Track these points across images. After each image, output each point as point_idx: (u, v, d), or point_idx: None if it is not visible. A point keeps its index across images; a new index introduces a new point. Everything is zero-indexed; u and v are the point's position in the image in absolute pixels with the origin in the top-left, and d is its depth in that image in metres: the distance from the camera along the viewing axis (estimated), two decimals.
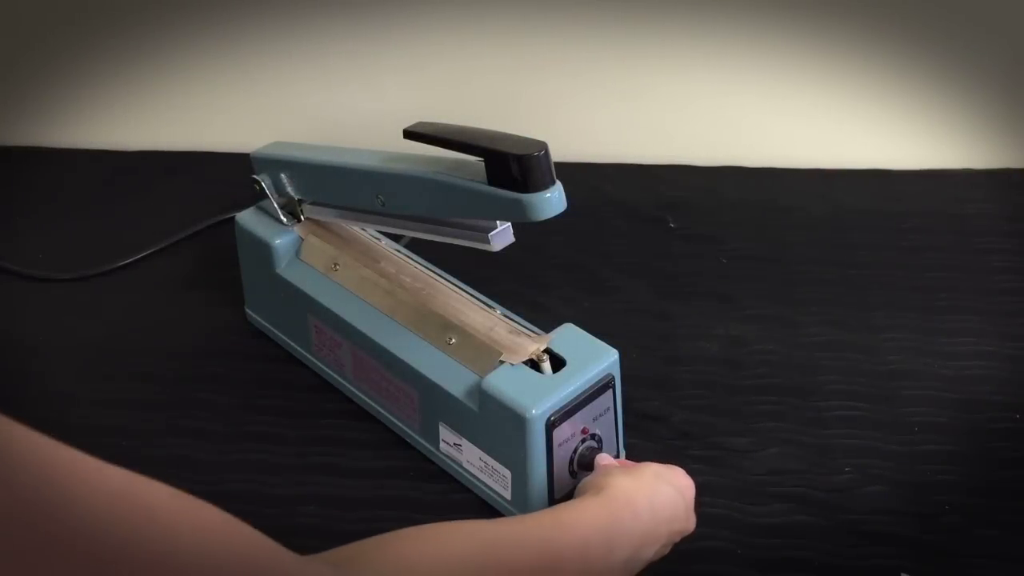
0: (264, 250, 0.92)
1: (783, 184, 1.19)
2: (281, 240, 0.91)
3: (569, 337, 0.81)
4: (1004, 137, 1.20)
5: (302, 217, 0.92)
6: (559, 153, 0.97)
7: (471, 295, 0.86)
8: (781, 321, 0.99)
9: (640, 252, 1.09)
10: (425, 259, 0.90)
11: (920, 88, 1.17)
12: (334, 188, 0.88)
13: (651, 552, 0.70)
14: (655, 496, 0.71)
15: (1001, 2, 1.12)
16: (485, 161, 0.73)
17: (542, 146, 0.72)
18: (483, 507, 0.81)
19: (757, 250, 1.09)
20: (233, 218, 0.95)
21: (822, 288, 1.03)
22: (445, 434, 0.82)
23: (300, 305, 0.90)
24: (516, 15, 1.16)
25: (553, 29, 1.18)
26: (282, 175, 0.90)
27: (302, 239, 0.92)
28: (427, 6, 1.17)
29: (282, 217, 0.92)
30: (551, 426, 0.75)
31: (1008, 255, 1.07)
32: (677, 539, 0.73)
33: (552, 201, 0.73)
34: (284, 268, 0.91)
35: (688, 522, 0.73)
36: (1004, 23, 1.13)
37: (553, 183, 0.73)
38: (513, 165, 0.72)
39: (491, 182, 0.74)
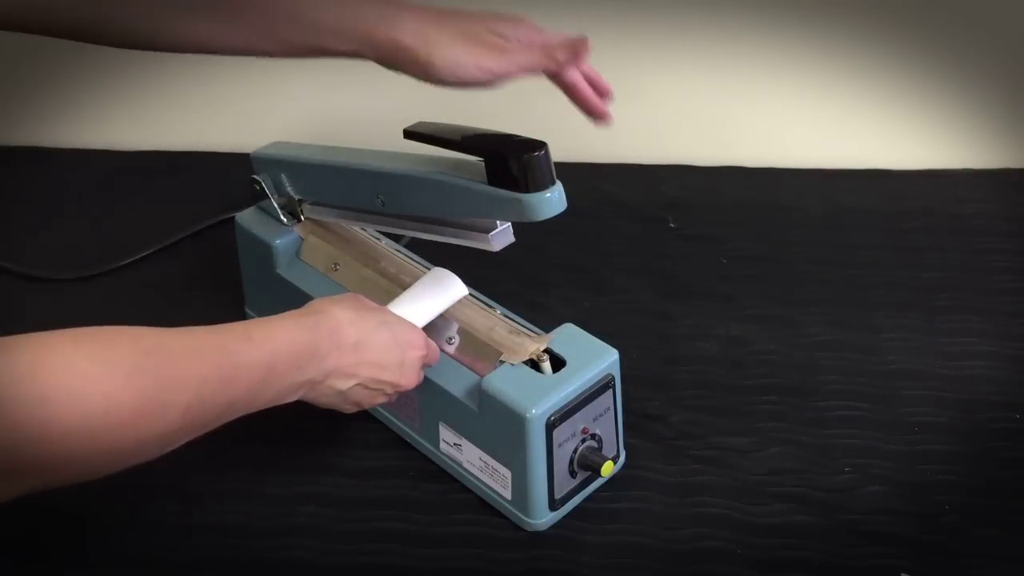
0: (264, 250, 0.92)
1: (783, 184, 1.19)
2: (281, 240, 0.91)
3: (569, 337, 0.81)
4: (1004, 137, 1.20)
5: (302, 217, 0.92)
6: (559, 153, 0.97)
7: (471, 295, 0.85)
8: (781, 321, 0.99)
9: (640, 252, 1.09)
10: (425, 259, 0.90)
11: (920, 88, 1.17)
12: (334, 188, 0.88)
13: (345, 386, 0.71)
14: (368, 337, 0.71)
15: (1001, 2, 1.12)
16: (485, 161, 0.73)
17: (542, 146, 0.72)
18: (483, 507, 0.81)
19: (757, 250, 1.09)
20: (233, 218, 0.95)
21: (822, 288, 1.03)
22: (445, 434, 0.82)
23: (300, 305, 0.90)
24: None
25: (553, 29, 1.17)
26: (282, 175, 0.90)
27: (302, 239, 0.92)
28: (429, 6, 1.16)
29: (282, 217, 0.92)
30: (551, 426, 0.75)
31: (1008, 255, 1.07)
32: (389, 390, 0.74)
33: (552, 201, 0.73)
34: (284, 268, 0.91)
35: (401, 377, 0.74)
36: (1004, 23, 1.13)
37: (553, 183, 0.73)
38: (513, 165, 0.72)
39: (491, 182, 0.74)
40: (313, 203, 0.91)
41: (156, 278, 1.06)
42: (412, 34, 0.68)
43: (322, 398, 0.72)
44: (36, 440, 0.52)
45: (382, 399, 0.75)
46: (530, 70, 0.71)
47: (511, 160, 0.72)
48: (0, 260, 1.07)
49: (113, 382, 0.54)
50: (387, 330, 0.73)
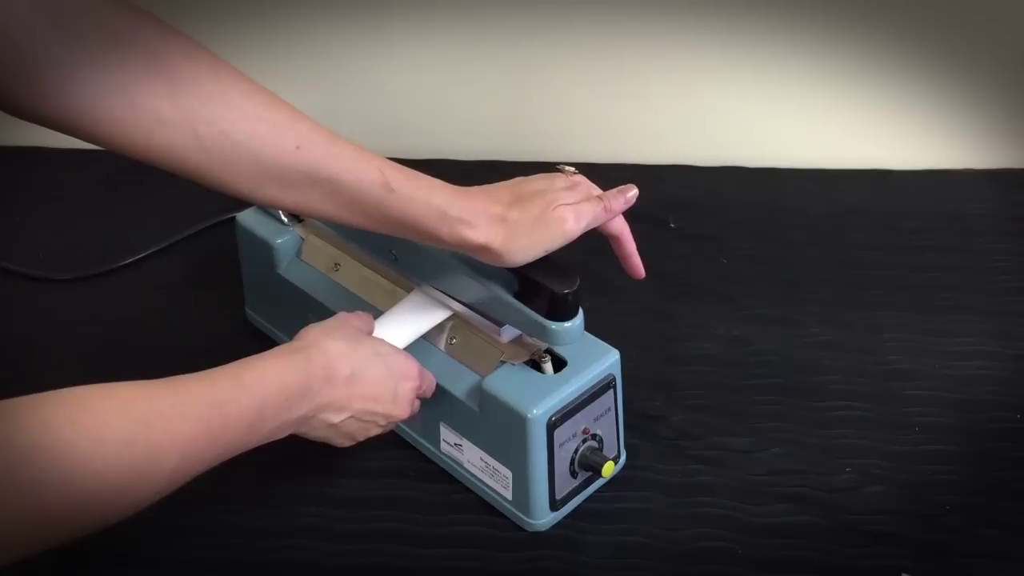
0: (265, 250, 0.91)
1: (784, 184, 1.19)
2: (282, 240, 0.91)
3: None
4: (1004, 137, 1.20)
5: (303, 217, 0.92)
6: (560, 153, 0.97)
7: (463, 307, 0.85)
8: (782, 321, 0.99)
9: (641, 252, 1.09)
10: None
11: (920, 88, 1.17)
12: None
13: (338, 419, 0.71)
14: (361, 370, 0.71)
15: (1001, 3, 1.12)
16: (517, 276, 0.74)
17: (574, 282, 0.73)
18: (484, 507, 0.81)
19: (758, 250, 1.09)
20: (233, 218, 0.95)
21: (823, 288, 1.03)
22: (446, 434, 0.82)
23: (301, 305, 0.90)
24: (518, 16, 1.16)
25: (554, 30, 1.18)
26: None
27: (303, 239, 0.92)
28: (429, 7, 1.17)
29: (283, 217, 0.92)
30: (552, 426, 0.75)
31: (1008, 255, 1.07)
32: (382, 422, 0.74)
33: (572, 332, 0.74)
34: (285, 268, 0.91)
35: (394, 408, 0.74)
36: (1004, 23, 1.13)
37: (576, 314, 0.74)
38: (544, 294, 0.73)
39: (517, 296, 0.75)
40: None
41: (156, 278, 1.06)
42: (485, 234, 0.71)
43: (314, 432, 0.71)
44: (25, 524, 0.53)
45: (376, 431, 0.75)
46: (590, 228, 0.75)
47: (542, 289, 0.73)
48: (0, 260, 1.07)
49: (105, 460, 0.55)
50: (380, 362, 0.73)
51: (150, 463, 0.57)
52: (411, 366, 0.76)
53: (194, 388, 0.62)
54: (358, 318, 0.77)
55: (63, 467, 0.53)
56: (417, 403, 0.77)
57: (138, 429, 0.57)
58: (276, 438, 0.68)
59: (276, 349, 0.70)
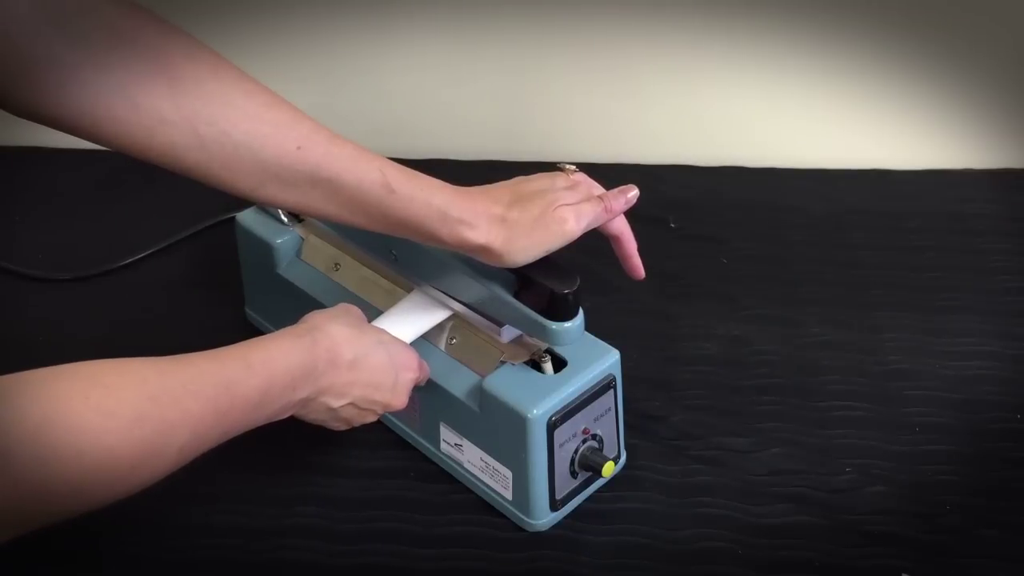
0: (265, 250, 0.91)
1: (784, 184, 1.19)
2: (282, 240, 0.91)
3: None
4: (1004, 137, 1.20)
5: (303, 217, 0.92)
6: (560, 153, 0.96)
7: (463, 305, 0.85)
8: (782, 321, 0.99)
9: (641, 252, 1.09)
10: None
11: (920, 88, 1.17)
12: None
13: (338, 404, 0.71)
14: (365, 356, 0.72)
15: (1001, 3, 1.12)
16: (517, 275, 0.74)
17: (574, 282, 0.73)
18: (484, 507, 0.81)
19: (758, 250, 1.09)
20: (233, 218, 0.95)
21: (823, 288, 1.03)
22: (446, 434, 0.82)
23: (301, 305, 0.89)
24: (518, 17, 1.16)
25: (554, 31, 1.18)
26: None
27: (303, 239, 0.92)
28: (431, 8, 1.17)
29: (283, 217, 0.92)
30: (552, 426, 0.75)
31: (1008, 255, 1.07)
32: (379, 409, 0.74)
33: (572, 332, 0.74)
34: (285, 268, 0.91)
35: (393, 398, 0.74)
36: (1005, 23, 1.13)
37: (576, 314, 0.74)
38: (544, 295, 0.73)
39: (518, 295, 0.75)
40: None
41: (156, 278, 1.06)
42: (485, 234, 0.71)
43: (312, 414, 0.72)
44: (35, 497, 0.53)
45: (372, 418, 0.75)
46: (591, 228, 0.75)
47: (542, 289, 0.73)
48: (0, 260, 1.07)
49: (117, 434, 0.55)
50: (384, 350, 0.74)
51: (161, 439, 0.58)
52: (411, 357, 0.76)
53: (203, 367, 0.63)
54: (357, 310, 0.77)
55: (74, 441, 0.53)
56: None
57: (150, 406, 0.57)
58: (278, 419, 0.68)
59: (282, 331, 0.70)
